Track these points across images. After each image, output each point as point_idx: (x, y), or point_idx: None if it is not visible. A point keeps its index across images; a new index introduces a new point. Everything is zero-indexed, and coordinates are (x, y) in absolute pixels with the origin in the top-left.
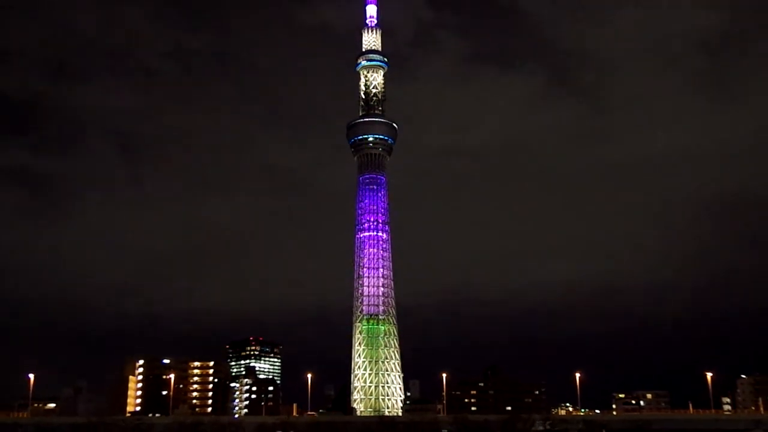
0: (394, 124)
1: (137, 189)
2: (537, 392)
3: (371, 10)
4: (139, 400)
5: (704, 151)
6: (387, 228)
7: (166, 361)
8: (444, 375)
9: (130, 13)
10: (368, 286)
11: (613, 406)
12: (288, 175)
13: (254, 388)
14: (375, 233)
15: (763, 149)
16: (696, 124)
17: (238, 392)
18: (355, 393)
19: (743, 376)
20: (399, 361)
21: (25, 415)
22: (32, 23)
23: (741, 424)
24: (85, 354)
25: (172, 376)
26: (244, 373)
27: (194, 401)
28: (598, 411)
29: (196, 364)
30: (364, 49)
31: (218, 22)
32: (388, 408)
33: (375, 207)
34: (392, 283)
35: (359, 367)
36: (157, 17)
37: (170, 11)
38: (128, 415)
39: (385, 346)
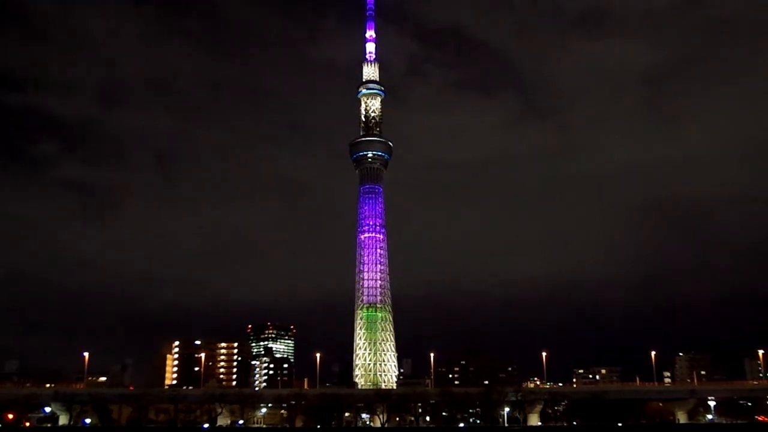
0: (390, 143)
1: (172, 196)
2: (510, 369)
3: (370, 46)
4: (175, 375)
5: (649, 164)
6: (383, 230)
7: (198, 342)
8: (432, 354)
9: (169, 49)
10: (368, 279)
11: (574, 380)
12: (300, 185)
13: (271, 366)
14: (373, 234)
15: (696, 162)
16: (643, 141)
17: (258, 369)
18: (356, 369)
19: (681, 354)
20: (394, 343)
21: (81, 387)
22: (85, 59)
23: (679, 394)
24: (131, 336)
25: (202, 355)
26: (263, 352)
27: (221, 376)
28: (561, 384)
29: (223, 345)
30: (364, 80)
31: (243, 57)
32: (384, 382)
33: (373, 212)
34: (388, 276)
35: (360, 347)
36: (191, 53)
37: (202, 48)
38: (166, 387)
39: (382, 330)
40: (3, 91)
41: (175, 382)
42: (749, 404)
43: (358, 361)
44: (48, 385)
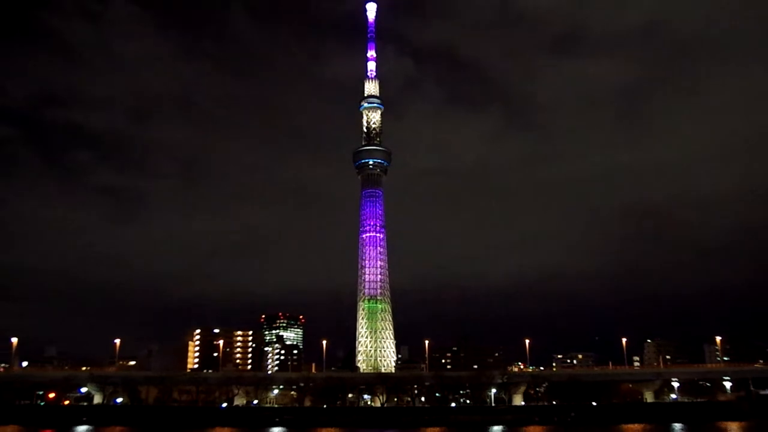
0: (389, 151)
1: (193, 199)
2: (496, 354)
3: (371, 65)
4: (196, 360)
5: (623, 170)
6: (383, 230)
7: (216, 330)
8: (426, 342)
9: (190, 69)
10: (369, 274)
11: (553, 364)
12: (308, 189)
13: (283, 352)
14: (374, 234)
15: (665, 169)
16: (617, 150)
17: (270, 354)
18: (359, 355)
19: (648, 340)
20: (392, 331)
21: (113, 370)
22: (117, 78)
23: (647, 376)
24: (157, 325)
25: (221, 341)
26: (275, 340)
27: (238, 361)
28: (542, 368)
29: (239, 333)
30: (365, 95)
31: (256, 76)
32: (384, 367)
33: (374, 214)
34: (387, 271)
35: (362, 335)
36: (209, 72)
37: (219, 68)
38: (188, 370)
39: (382, 320)
40: (47, 107)
41: (196, 366)
42: (708, 384)
43: (360, 348)
44: (84, 369)
